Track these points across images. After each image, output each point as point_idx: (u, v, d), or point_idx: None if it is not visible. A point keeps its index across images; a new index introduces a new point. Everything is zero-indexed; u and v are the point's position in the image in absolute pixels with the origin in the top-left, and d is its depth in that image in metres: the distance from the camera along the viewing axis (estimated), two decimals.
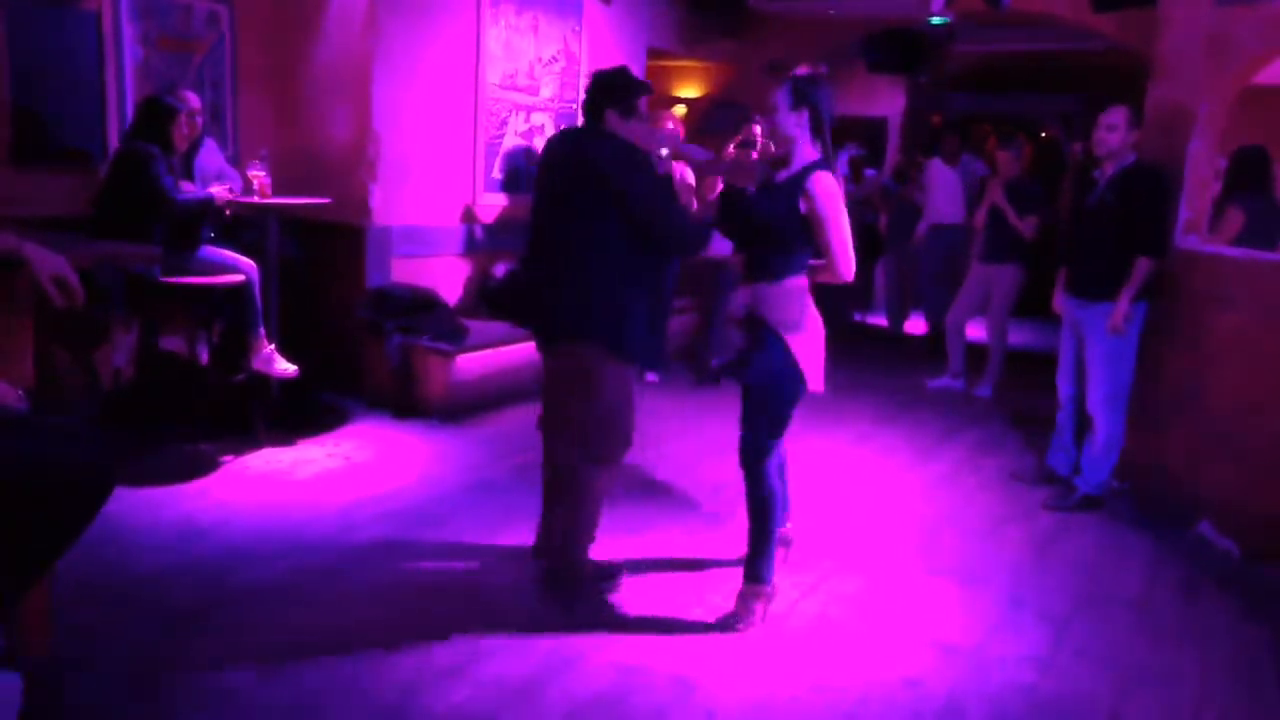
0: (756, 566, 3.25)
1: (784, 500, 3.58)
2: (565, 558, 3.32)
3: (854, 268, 3.12)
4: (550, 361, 3.37)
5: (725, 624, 3.18)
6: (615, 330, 3.13)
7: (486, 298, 6.18)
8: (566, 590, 3.30)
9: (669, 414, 5.59)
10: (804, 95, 3.03)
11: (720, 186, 6.16)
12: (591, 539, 3.37)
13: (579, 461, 3.27)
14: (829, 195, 3.00)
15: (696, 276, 6.52)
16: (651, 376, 6.25)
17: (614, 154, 3.09)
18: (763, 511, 3.22)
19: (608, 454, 3.27)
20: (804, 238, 3.08)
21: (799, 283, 3.13)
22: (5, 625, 2.13)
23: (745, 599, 3.23)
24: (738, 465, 3.24)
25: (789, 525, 3.64)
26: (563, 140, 3.33)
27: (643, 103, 3.26)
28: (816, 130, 3.07)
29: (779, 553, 3.62)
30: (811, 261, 3.17)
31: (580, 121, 3.37)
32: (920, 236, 7.96)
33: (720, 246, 3.24)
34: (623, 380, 3.22)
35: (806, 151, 3.08)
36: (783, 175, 3.11)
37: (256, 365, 4.55)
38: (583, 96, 3.27)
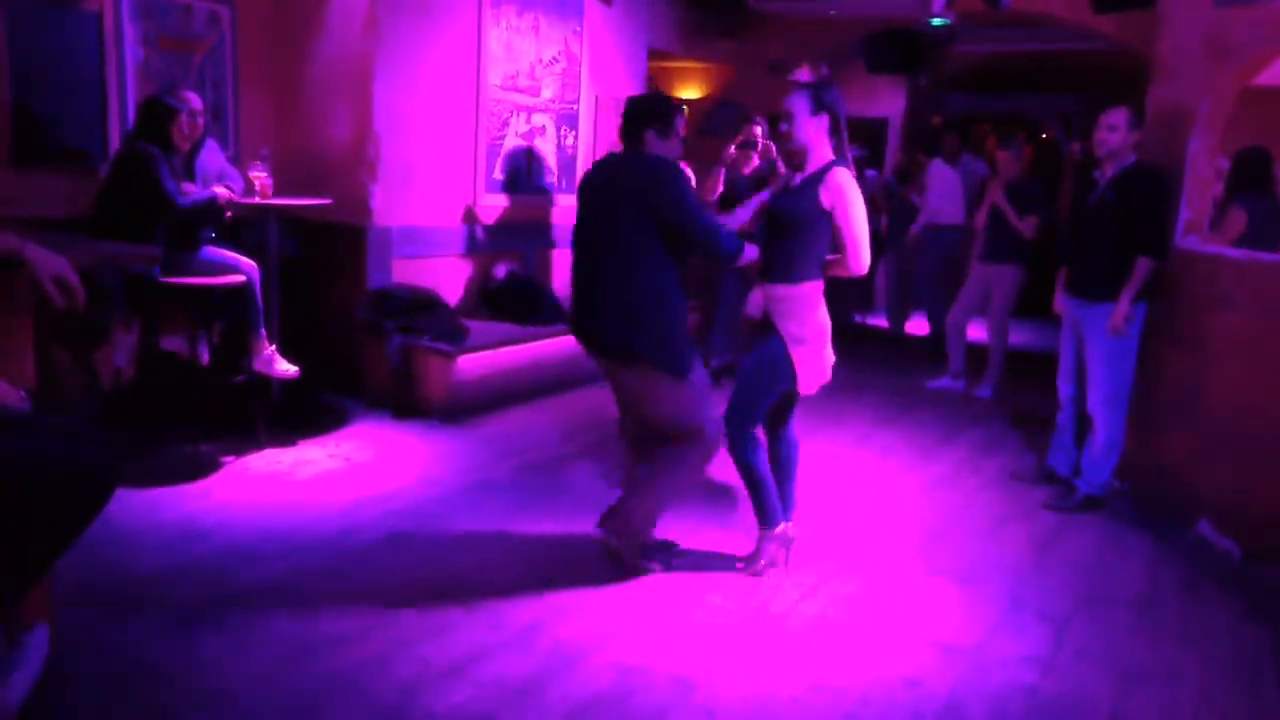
0: (760, 514, 3.54)
1: (790, 498, 3.68)
2: (630, 537, 3.47)
3: (868, 261, 3.30)
4: (605, 370, 3.52)
5: (749, 567, 3.54)
6: (661, 348, 3.25)
7: (487, 298, 6.18)
8: (629, 565, 3.49)
9: None
10: (823, 101, 3.23)
11: (721, 188, 6.19)
12: (654, 523, 3.55)
13: (660, 453, 3.40)
14: (849, 188, 3.20)
15: (695, 279, 6.52)
16: None
17: (654, 169, 3.23)
18: (747, 478, 3.48)
19: (687, 452, 3.36)
20: (825, 233, 3.25)
21: (814, 287, 3.30)
22: (5, 625, 2.13)
23: (759, 542, 3.56)
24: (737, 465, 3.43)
25: (790, 523, 3.66)
26: (605, 165, 3.44)
27: (679, 124, 3.38)
28: (834, 132, 3.27)
29: (779, 552, 3.65)
30: (827, 257, 3.35)
31: (617, 144, 3.53)
32: (915, 236, 7.96)
33: (752, 254, 3.37)
34: (677, 388, 3.30)
35: (825, 153, 3.27)
36: (800, 177, 3.31)
37: (257, 366, 4.55)
38: (620, 123, 3.39)
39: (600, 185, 3.35)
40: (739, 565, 3.58)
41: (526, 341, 5.81)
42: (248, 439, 4.58)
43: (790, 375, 3.34)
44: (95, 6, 4.61)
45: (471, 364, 5.38)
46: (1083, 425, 4.66)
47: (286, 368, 4.62)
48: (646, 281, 3.22)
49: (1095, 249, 4.40)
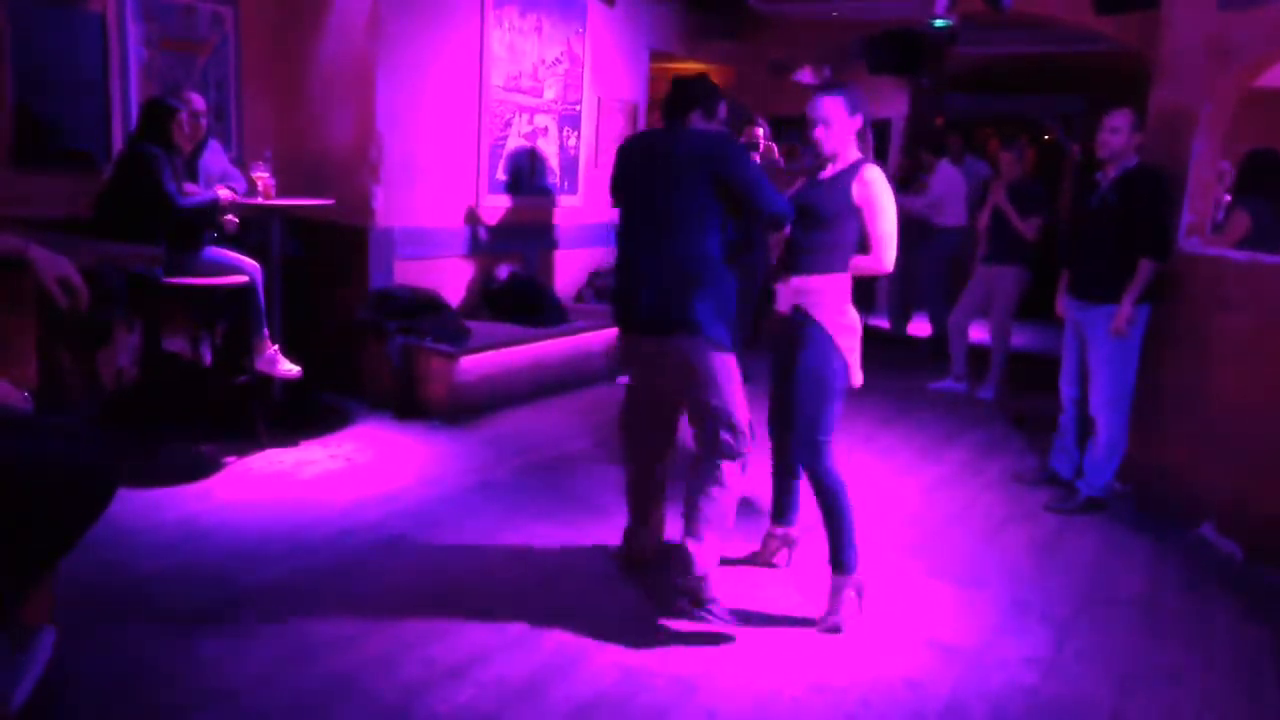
0: (840, 557, 3.26)
1: (795, 499, 3.66)
2: (690, 571, 3.15)
3: (894, 260, 3.28)
4: (646, 355, 3.34)
5: (826, 625, 3.20)
6: (716, 321, 3.16)
7: (489, 299, 6.19)
8: (694, 596, 3.16)
9: None
10: (857, 103, 3.25)
11: None
12: (716, 560, 3.22)
13: (708, 458, 3.24)
14: (881, 185, 3.22)
15: None
16: None
17: (716, 137, 3.21)
18: (832, 505, 3.24)
19: (733, 447, 3.22)
20: (855, 227, 3.24)
21: (845, 279, 3.27)
22: (9, 627, 2.14)
23: (836, 591, 3.26)
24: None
25: (795, 526, 3.66)
26: (650, 138, 3.38)
27: (721, 108, 3.37)
28: (862, 135, 3.29)
29: (782, 553, 3.64)
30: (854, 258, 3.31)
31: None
32: (926, 221, 7.88)
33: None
34: (729, 372, 3.21)
35: (852, 152, 3.28)
36: (829, 172, 3.28)
37: (260, 366, 4.55)
38: (666, 100, 3.35)
39: (656, 156, 3.22)
40: (817, 625, 3.22)
41: (528, 342, 5.81)
42: (249, 439, 4.59)
43: (844, 368, 3.23)
44: (98, 7, 4.62)
45: (473, 365, 5.38)
46: (1085, 427, 4.66)
47: (289, 368, 4.63)
48: (707, 250, 3.15)
49: (1097, 251, 4.40)
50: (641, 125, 7.47)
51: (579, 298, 7.02)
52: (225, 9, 5.22)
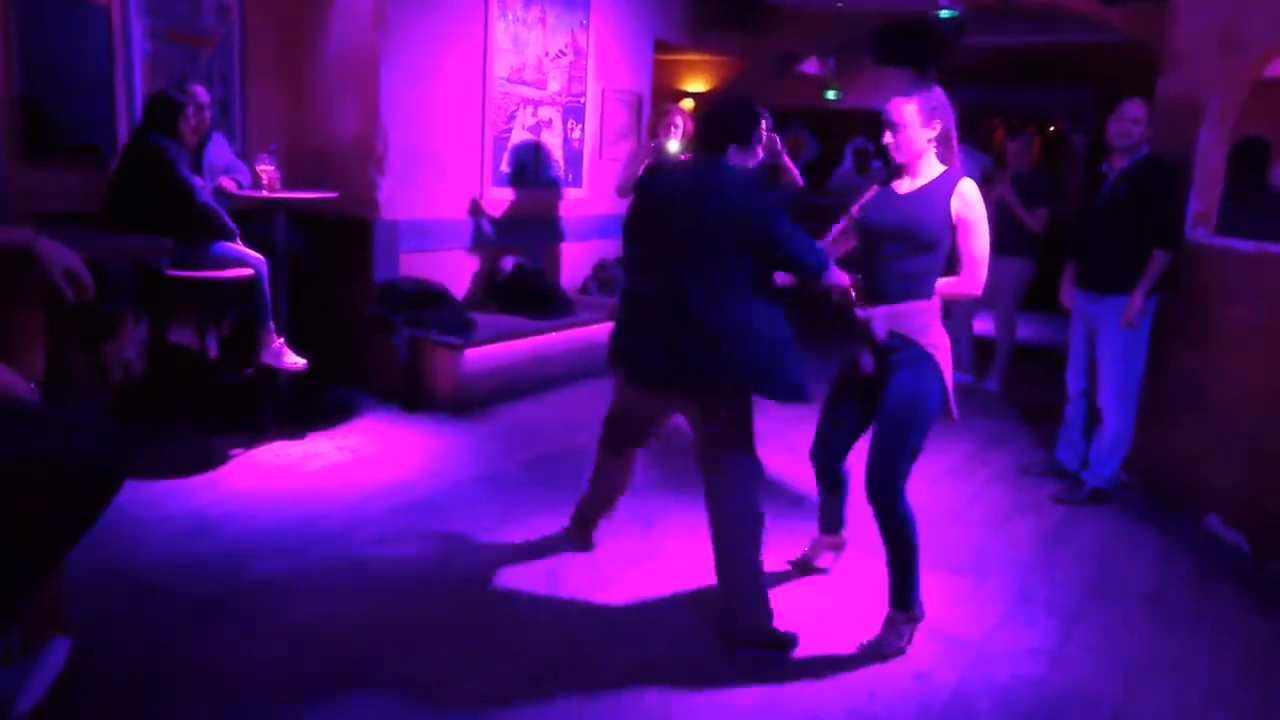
0: (903, 595, 3.07)
1: (844, 511, 3.50)
2: (744, 624, 3.00)
3: (984, 282, 3.03)
4: (656, 406, 3.29)
5: (876, 651, 3.04)
6: (760, 369, 2.97)
7: (494, 292, 6.19)
8: (763, 649, 2.99)
9: None
10: (934, 109, 2.94)
11: None
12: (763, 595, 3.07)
13: (736, 511, 3.06)
14: (979, 202, 2.93)
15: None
16: None
17: (740, 193, 2.94)
18: (901, 541, 3.01)
19: (742, 496, 3.08)
20: (948, 245, 2.96)
21: (936, 302, 2.99)
22: (19, 625, 2.14)
23: (893, 624, 3.08)
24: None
25: (844, 531, 3.57)
26: (670, 181, 3.14)
27: (762, 131, 3.19)
28: (945, 141, 2.98)
29: (827, 557, 3.58)
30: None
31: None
32: None
33: (840, 278, 3.06)
34: (749, 415, 3.10)
35: (932, 162, 2.98)
36: (911, 187, 2.98)
37: (266, 359, 4.56)
38: (700, 126, 3.14)
39: (681, 204, 2.98)
40: (864, 650, 3.06)
41: (534, 335, 5.81)
42: (256, 432, 4.60)
43: (944, 394, 2.95)
44: (104, 1, 4.62)
45: (479, 357, 5.39)
46: (1091, 419, 4.65)
47: (295, 360, 4.63)
48: (742, 306, 2.92)
49: (1107, 242, 4.39)
50: (646, 117, 7.45)
51: (584, 290, 7.02)
52: (230, 1, 5.22)
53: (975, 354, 6.74)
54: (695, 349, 2.93)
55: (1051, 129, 11.20)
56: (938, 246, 2.93)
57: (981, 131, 10.18)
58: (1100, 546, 4.05)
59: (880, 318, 2.95)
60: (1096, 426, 4.56)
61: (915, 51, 7.56)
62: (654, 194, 3.12)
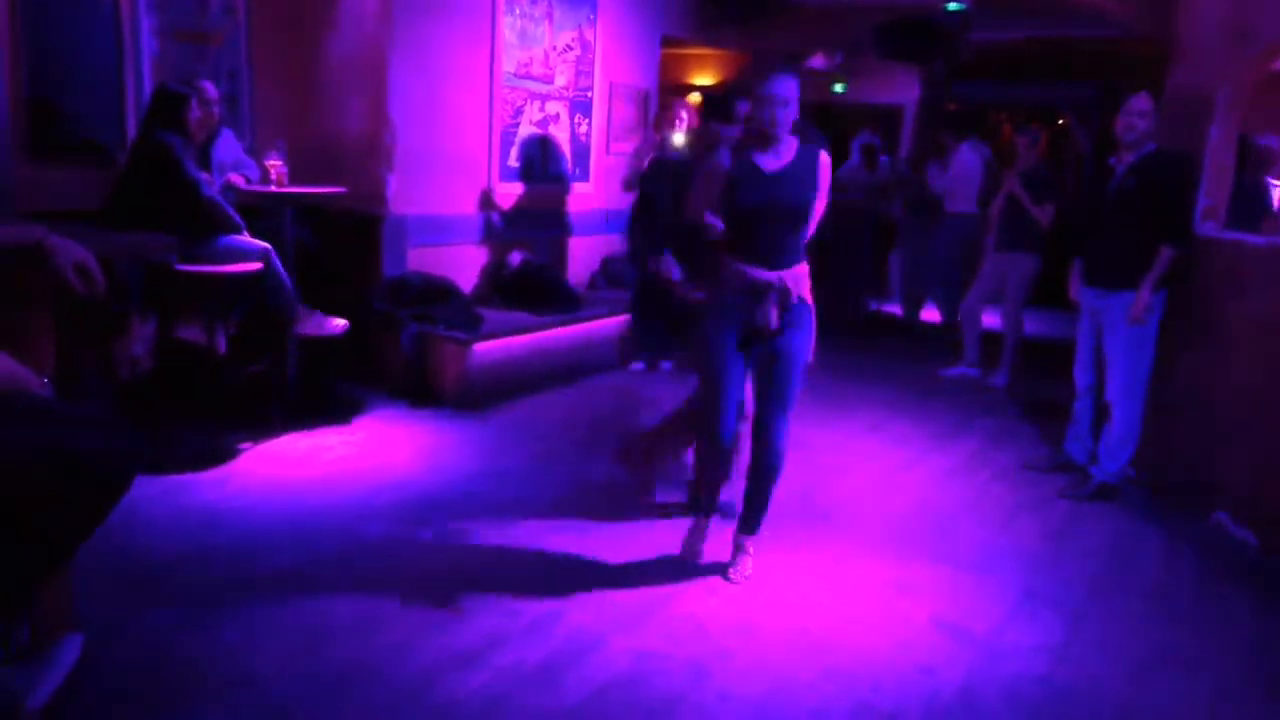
0: (760, 520, 3.51)
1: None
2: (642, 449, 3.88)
3: None
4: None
5: (726, 573, 3.44)
6: None
7: (502, 287, 6.20)
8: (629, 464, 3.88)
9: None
10: (801, 86, 3.31)
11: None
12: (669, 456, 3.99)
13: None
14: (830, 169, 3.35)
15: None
16: (666, 364, 6.25)
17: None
18: (777, 473, 3.44)
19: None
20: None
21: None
22: (30, 620, 2.16)
23: (743, 550, 3.51)
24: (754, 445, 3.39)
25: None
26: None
27: (741, 106, 3.57)
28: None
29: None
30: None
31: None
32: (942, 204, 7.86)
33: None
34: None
35: (789, 136, 3.30)
36: (776, 160, 3.26)
37: (308, 331, 4.56)
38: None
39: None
40: (730, 577, 3.46)
41: (541, 330, 5.82)
42: (264, 427, 4.61)
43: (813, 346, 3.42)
44: None
45: (487, 352, 5.40)
46: (1098, 414, 4.64)
47: (337, 322, 4.64)
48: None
49: (1114, 237, 4.37)
50: (653, 111, 7.44)
51: (591, 285, 7.03)
52: None
53: (982, 348, 6.73)
54: None
55: (1060, 122, 11.14)
56: (809, 216, 3.31)
57: (988, 127, 10.14)
58: (1106, 542, 4.04)
59: (791, 279, 3.27)
60: (1104, 421, 4.55)
61: (922, 47, 7.54)
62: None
